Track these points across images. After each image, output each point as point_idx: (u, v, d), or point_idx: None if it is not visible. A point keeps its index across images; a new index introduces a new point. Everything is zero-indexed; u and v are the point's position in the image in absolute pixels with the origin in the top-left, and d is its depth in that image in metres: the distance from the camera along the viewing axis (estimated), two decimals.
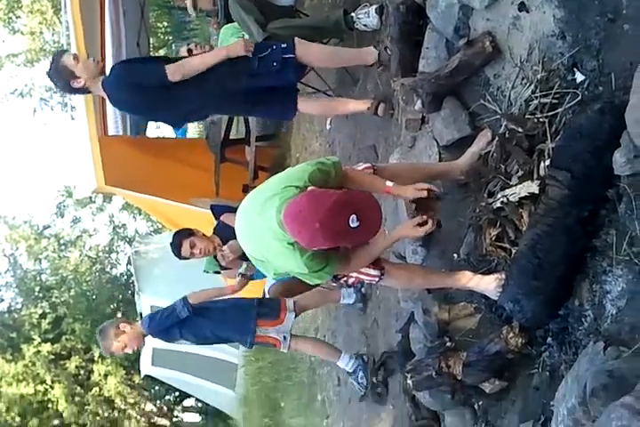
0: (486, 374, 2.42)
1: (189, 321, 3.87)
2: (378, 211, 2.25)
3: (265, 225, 2.32)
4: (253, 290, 5.56)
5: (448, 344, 2.73)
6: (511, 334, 2.27)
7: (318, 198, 2.17)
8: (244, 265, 4.01)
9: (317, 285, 4.02)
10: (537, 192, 2.13)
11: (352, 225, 2.10)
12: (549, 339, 2.20)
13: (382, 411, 4.04)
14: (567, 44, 2.22)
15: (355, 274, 2.64)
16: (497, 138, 2.50)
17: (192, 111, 3.84)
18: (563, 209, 1.95)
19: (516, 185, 2.26)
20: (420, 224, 2.47)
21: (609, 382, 1.62)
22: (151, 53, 10.16)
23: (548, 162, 2.14)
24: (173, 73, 3.50)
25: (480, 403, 2.64)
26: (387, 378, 3.98)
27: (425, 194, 2.49)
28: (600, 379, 1.65)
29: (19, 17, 14.98)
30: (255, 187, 2.61)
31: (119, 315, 14.70)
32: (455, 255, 2.91)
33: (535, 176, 2.20)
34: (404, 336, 3.38)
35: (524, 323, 2.20)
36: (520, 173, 2.28)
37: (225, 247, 4.07)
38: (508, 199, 2.25)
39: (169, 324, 3.87)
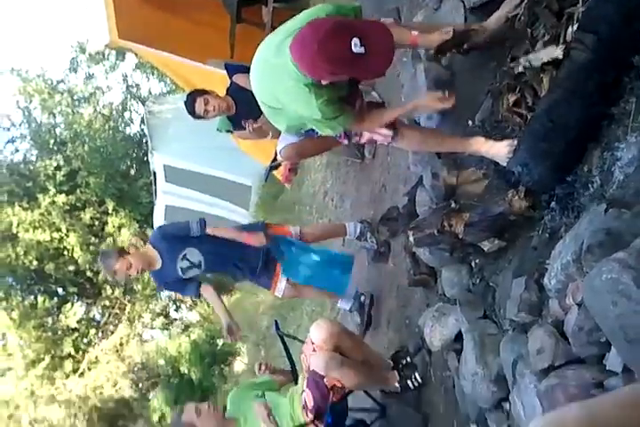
0: (487, 233, 2.51)
1: (199, 239, 3.99)
2: (387, 38, 2.15)
3: (281, 66, 2.30)
4: (265, 151, 5.63)
5: (453, 206, 2.80)
6: (516, 198, 2.33)
7: (320, 22, 2.15)
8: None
9: (327, 149, 4.06)
10: (561, 57, 2.10)
11: (355, 50, 2.03)
12: (553, 203, 2.25)
13: (383, 268, 4.25)
14: None
15: (368, 133, 2.67)
16: (526, 0, 2.42)
17: None
18: (584, 73, 1.92)
19: (540, 50, 2.23)
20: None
21: (605, 239, 1.69)
22: None
23: (576, 27, 2.10)
24: None
25: (477, 261, 2.77)
26: (390, 239, 4.14)
27: (451, 34, 2.45)
28: (597, 237, 1.72)
29: None
30: None
31: (132, 172, 14.91)
32: (470, 122, 2.91)
33: (561, 41, 2.16)
34: (410, 200, 3.47)
35: (531, 187, 2.24)
36: (546, 37, 2.23)
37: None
38: (530, 64, 2.23)
39: (179, 235, 3.99)
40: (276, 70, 2.36)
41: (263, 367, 3.55)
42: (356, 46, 2.02)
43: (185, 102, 4.37)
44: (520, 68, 2.29)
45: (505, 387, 2.33)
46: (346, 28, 2.07)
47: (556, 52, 2.11)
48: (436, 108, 2.58)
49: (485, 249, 2.59)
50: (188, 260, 4.03)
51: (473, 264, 2.80)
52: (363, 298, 4.32)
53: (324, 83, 2.26)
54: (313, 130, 2.82)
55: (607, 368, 1.76)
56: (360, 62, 2.07)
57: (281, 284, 4.12)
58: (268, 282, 4.16)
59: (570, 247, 1.87)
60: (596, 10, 1.92)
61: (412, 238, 2.82)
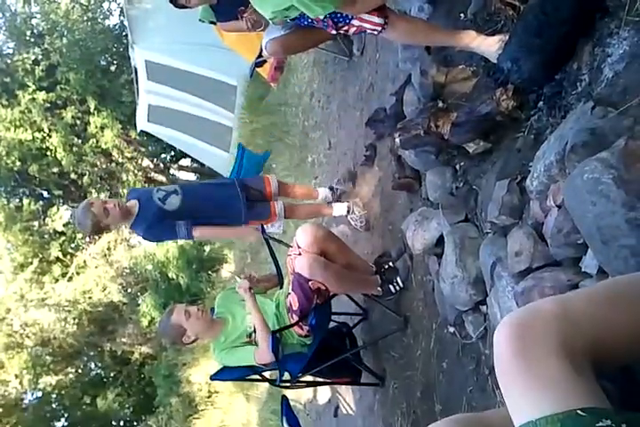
0: (473, 134, 2.45)
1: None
2: None
3: None
4: (251, 46, 5.41)
5: (440, 105, 2.72)
6: (504, 97, 2.26)
7: None
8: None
9: (315, 44, 3.88)
10: None
11: None
12: (541, 103, 2.18)
13: (368, 172, 4.20)
14: None
15: (357, 22, 2.53)
16: None
17: None
18: None
19: None
20: None
21: (589, 139, 1.64)
22: None
23: None
24: None
25: (462, 164, 2.72)
26: (376, 142, 4.07)
27: None
28: (581, 136, 1.67)
29: None
30: None
31: (113, 68, 14.42)
32: (462, 15, 2.79)
33: None
34: (397, 100, 3.37)
35: (520, 84, 2.16)
36: None
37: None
38: None
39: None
40: None
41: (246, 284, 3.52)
42: None
43: None
44: None
45: (483, 290, 2.35)
46: None
47: None
48: None
49: (470, 151, 2.53)
50: (162, 190, 3.97)
51: (457, 167, 2.75)
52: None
53: None
54: (299, 18, 2.66)
55: (583, 270, 1.75)
56: None
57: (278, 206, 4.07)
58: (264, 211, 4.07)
59: (554, 148, 1.82)
60: None
61: (398, 140, 2.75)
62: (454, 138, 2.50)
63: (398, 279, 3.25)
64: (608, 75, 1.87)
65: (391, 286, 3.26)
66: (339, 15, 2.53)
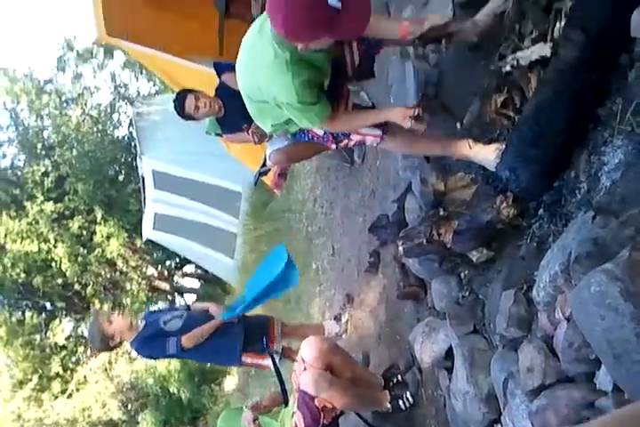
0: (475, 242, 2.42)
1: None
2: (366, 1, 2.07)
3: (261, 44, 2.23)
4: (255, 155, 5.52)
5: (441, 214, 2.71)
6: (504, 205, 2.24)
7: None
8: None
9: (317, 153, 3.96)
10: (548, 55, 2.00)
11: (331, 2, 1.94)
12: (541, 211, 2.16)
13: (373, 280, 4.13)
14: None
15: (356, 136, 2.58)
16: None
17: None
18: (571, 72, 1.84)
19: (528, 47, 2.12)
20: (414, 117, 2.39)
21: (593, 249, 1.61)
22: None
23: (563, 23, 1.99)
24: None
25: (466, 272, 2.67)
26: (379, 248, 4.03)
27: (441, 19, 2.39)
28: (585, 246, 1.63)
29: None
30: None
31: (121, 178, 14.72)
32: (458, 124, 2.83)
33: (549, 38, 2.06)
34: (399, 207, 3.38)
35: (519, 193, 2.16)
36: (534, 34, 2.13)
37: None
38: (518, 62, 2.12)
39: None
40: (258, 50, 2.29)
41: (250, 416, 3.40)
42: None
43: (174, 101, 4.23)
44: (508, 67, 2.19)
45: (497, 407, 2.23)
46: None
47: (545, 50, 2.01)
48: (405, 126, 2.46)
49: (474, 259, 2.48)
50: (171, 314, 4.03)
51: (462, 275, 2.69)
52: None
53: (301, 48, 2.13)
54: (300, 133, 2.72)
55: (597, 387, 1.66)
56: (338, 18, 1.98)
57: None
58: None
59: (558, 258, 1.78)
60: (584, 6, 1.82)
61: (401, 248, 2.72)
62: (457, 246, 2.46)
63: (408, 394, 3.09)
64: (606, 183, 1.86)
65: (401, 402, 3.10)
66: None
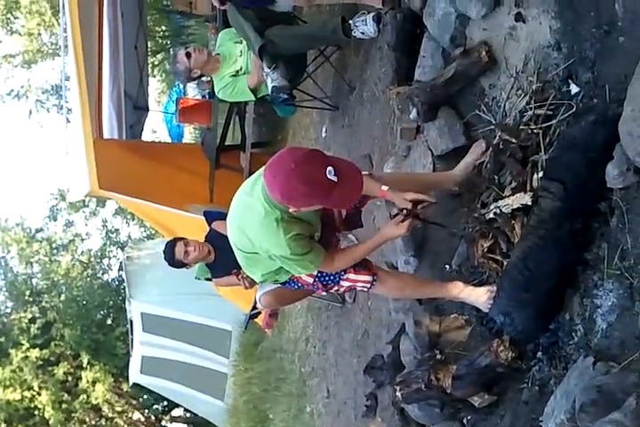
0: (475, 387, 2.38)
1: None
2: (357, 173, 2.17)
3: (253, 202, 2.30)
4: (245, 297, 5.53)
5: (438, 357, 2.69)
6: (501, 348, 2.23)
7: (297, 148, 2.24)
8: None
9: (307, 295, 3.98)
10: (530, 204, 2.11)
11: (329, 176, 2.04)
12: (539, 353, 2.16)
13: (371, 424, 3.99)
14: (563, 55, 2.21)
15: (346, 282, 2.61)
16: (491, 148, 2.48)
17: None
18: (555, 221, 1.93)
19: (509, 196, 2.24)
20: (402, 221, 2.44)
21: (598, 397, 1.59)
22: (148, 58, 10.06)
23: (541, 173, 2.12)
24: None
25: (469, 417, 2.59)
26: (376, 390, 3.93)
27: (409, 206, 2.45)
28: (589, 394, 1.61)
29: (17, 18, 14.92)
30: None
31: (109, 322, 14.54)
32: (447, 266, 2.89)
33: (528, 188, 2.18)
34: (394, 348, 3.34)
35: (515, 336, 2.16)
36: (513, 184, 2.25)
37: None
38: (500, 211, 2.23)
39: None
40: (248, 208, 2.36)
41: None
42: (330, 174, 2.05)
43: (164, 251, 4.31)
44: (491, 215, 2.29)
45: None
46: (322, 156, 2.13)
47: (525, 199, 2.12)
48: (403, 232, 2.50)
49: (476, 404, 2.43)
50: None
51: (465, 421, 2.61)
52: None
53: (292, 211, 2.22)
54: (289, 282, 2.75)
55: None
56: (332, 190, 2.08)
57: None
58: None
59: (562, 405, 1.75)
60: (560, 158, 1.95)
61: (399, 394, 2.66)
62: (457, 391, 2.42)
63: None
64: (602, 325, 1.88)
65: None
66: (327, 277, 2.61)
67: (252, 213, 2.32)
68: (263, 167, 2.33)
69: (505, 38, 2.50)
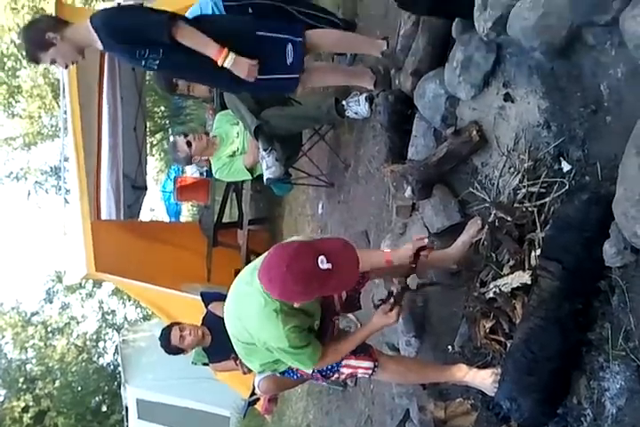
0: None
1: None
2: (350, 251, 2.15)
3: (251, 292, 2.27)
4: (244, 382, 5.38)
5: None
6: None
7: (284, 245, 2.18)
8: None
9: (306, 380, 3.87)
10: (529, 283, 2.07)
11: (322, 267, 2.02)
12: None
13: None
14: (552, 133, 2.23)
15: (347, 370, 2.55)
16: (487, 226, 2.46)
17: None
18: (555, 301, 1.88)
19: (507, 275, 2.21)
20: (390, 310, 2.44)
21: None
22: (147, 138, 10.25)
23: (538, 252, 2.10)
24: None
25: None
26: None
27: (425, 241, 2.51)
28: None
29: (18, 101, 15.31)
30: None
31: (104, 408, 14.07)
32: (449, 347, 2.81)
33: (527, 266, 2.15)
34: None
35: (522, 423, 2.07)
36: (511, 262, 2.23)
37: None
38: (500, 290, 2.19)
39: None
40: (247, 298, 2.33)
41: None
42: (323, 263, 2.02)
43: (160, 338, 4.24)
44: (491, 294, 2.25)
45: None
46: (310, 248, 2.10)
47: (524, 278, 2.08)
48: (393, 321, 2.51)
49: None
50: None
51: None
52: None
53: (296, 306, 2.21)
54: (288, 371, 2.68)
55: None
56: (328, 278, 2.06)
57: None
58: None
59: None
60: (556, 238, 1.93)
61: None
62: None
63: None
64: (612, 410, 1.80)
65: None
66: (325, 367, 2.55)
67: (250, 304, 2.29)
68: (261, 258, 2.32)
69: (495, 118, 2.53)
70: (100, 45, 3.20)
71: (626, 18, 1.62)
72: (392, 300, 2.44)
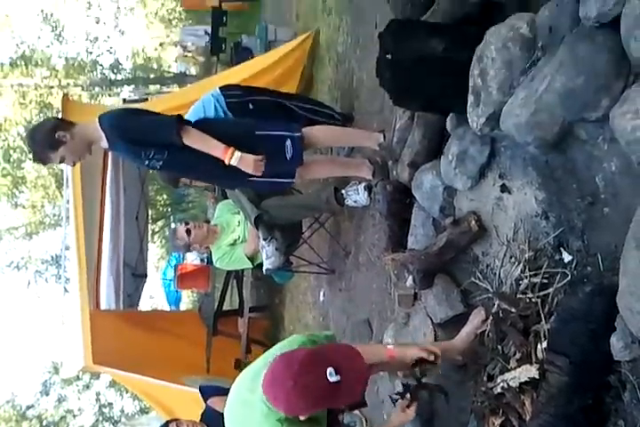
0: None
1: None
2: (359, 361, 2.05)
3: (255, 399, 2.16)
4: None
5: None
6: None
7: (290, 356, 2.06)
8: None
9: None
10: (537, 377, 2.02)
11: (331, 379, 1.91)
12: None
13: None
14: (551, 224, 2.24)
15: None
16: (491, 317, 2.44)
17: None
18: (564, 397, 1.83)
19: (515, 368, 2.16)
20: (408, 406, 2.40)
21: None
22: (149, 226, 10.34)
23: (544, 344, 2.06)
24: None
25: None
26: None
27: (426, 354, 2.42)
28: None
29: (22, 192, 15.58)
30: (248, 362, 2.50)
31: None
32: None
33: (534, 359, 2.11)
34: None
35: None
36: (518, 355, 2.18)
37: None
38: (508, 384, 2.13)
39: None
40: (249, 406, 2.23)
41: None
42: (332, 375, 1.93)
43: None
44: (499, 389, 2.19)
45: None
46: (319, 359, 2.00)
47: (532, 372, 2.04)
48: (411, 417, 2.49)
49: None
50: None
51: None
52: None
53: (302, 418, 2.10)
54: None
55: None
56: (336, 391, 1.96)
57: None
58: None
59: None
60: (562, 330, 1.90)
61: None
62: None
63: None
64: None
65: None
66: None
67: (252, 413, 2.19)
68: (263, 358, 2.27)
69: (493, 208, 2.56)
70: (105, 144, 3.31)
71: (615, 115, 1.67)
72: (409, 395, 2.37)
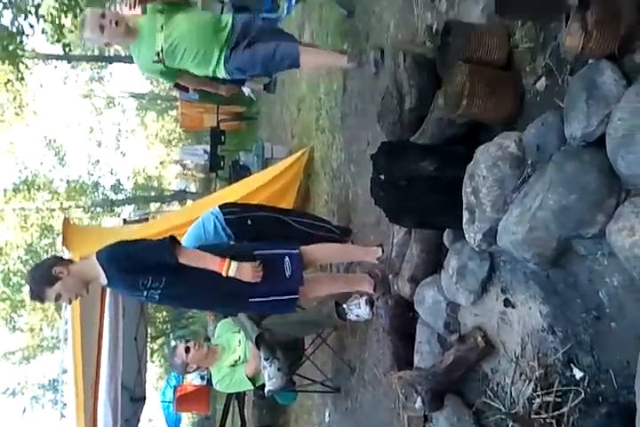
0: None
1: None
2: None
3: None
4: None
5: None
6: None
7: None
8: None
9: None
10: None
11: None
12: None
13: None
14: (559, 339, 2.19)
15: None
16: None
17: None
18: None
19: None
20: None
21: None
22: (148, 343, 10.13)
23: None
24: None
25: None
26: None
27: None
28: None
29: (21, 315, 15.42)
30: None
31: None
32: None
33: None
34: None
35: None
36: None
37: None
38: None
39: None
40: None
41: None
42: None
43: None
44: None
45: None
46: None
47: None
48: None
49: None
50: None
51: None
52: None
53: None
54: None
55: None
56: None
57: None
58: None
59: None
60: None
61: None
62: None
63: None
64: None
65: None
66: None
67: None
68: None
69: (498, 323, 2.51)
70: (104, 280, 3.34)
71: (612, 232, 1.68)
72: None
